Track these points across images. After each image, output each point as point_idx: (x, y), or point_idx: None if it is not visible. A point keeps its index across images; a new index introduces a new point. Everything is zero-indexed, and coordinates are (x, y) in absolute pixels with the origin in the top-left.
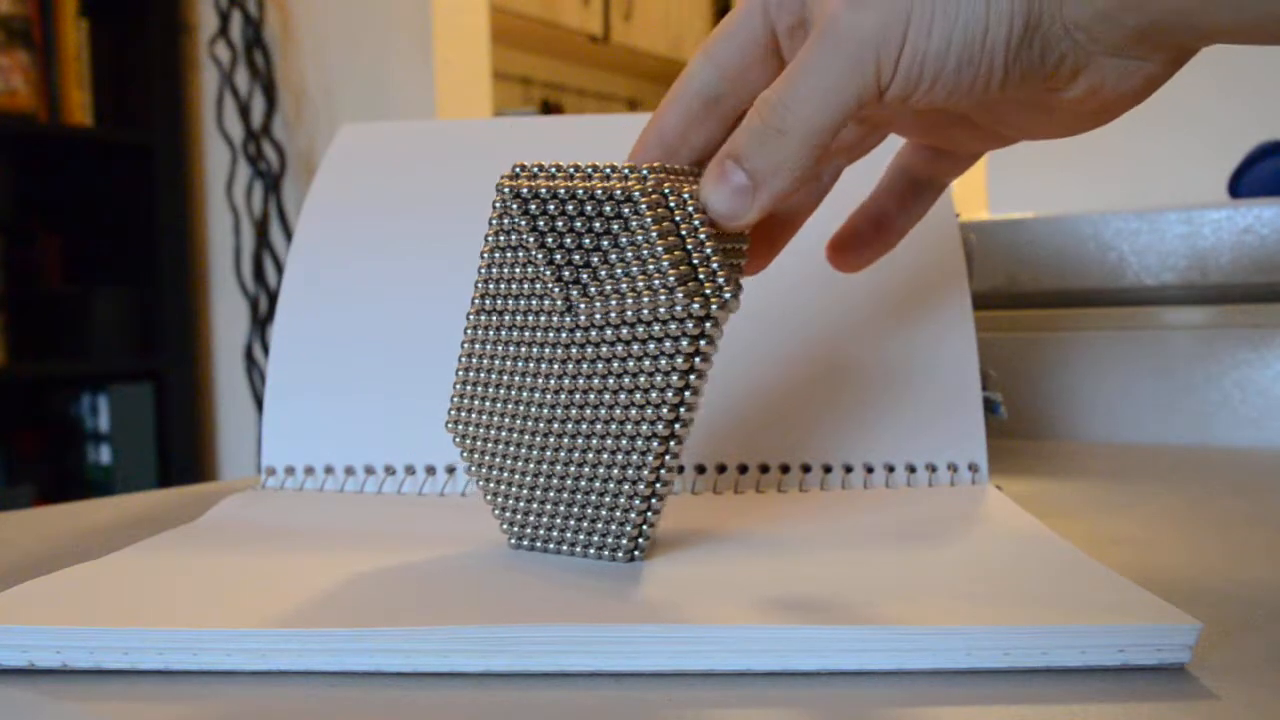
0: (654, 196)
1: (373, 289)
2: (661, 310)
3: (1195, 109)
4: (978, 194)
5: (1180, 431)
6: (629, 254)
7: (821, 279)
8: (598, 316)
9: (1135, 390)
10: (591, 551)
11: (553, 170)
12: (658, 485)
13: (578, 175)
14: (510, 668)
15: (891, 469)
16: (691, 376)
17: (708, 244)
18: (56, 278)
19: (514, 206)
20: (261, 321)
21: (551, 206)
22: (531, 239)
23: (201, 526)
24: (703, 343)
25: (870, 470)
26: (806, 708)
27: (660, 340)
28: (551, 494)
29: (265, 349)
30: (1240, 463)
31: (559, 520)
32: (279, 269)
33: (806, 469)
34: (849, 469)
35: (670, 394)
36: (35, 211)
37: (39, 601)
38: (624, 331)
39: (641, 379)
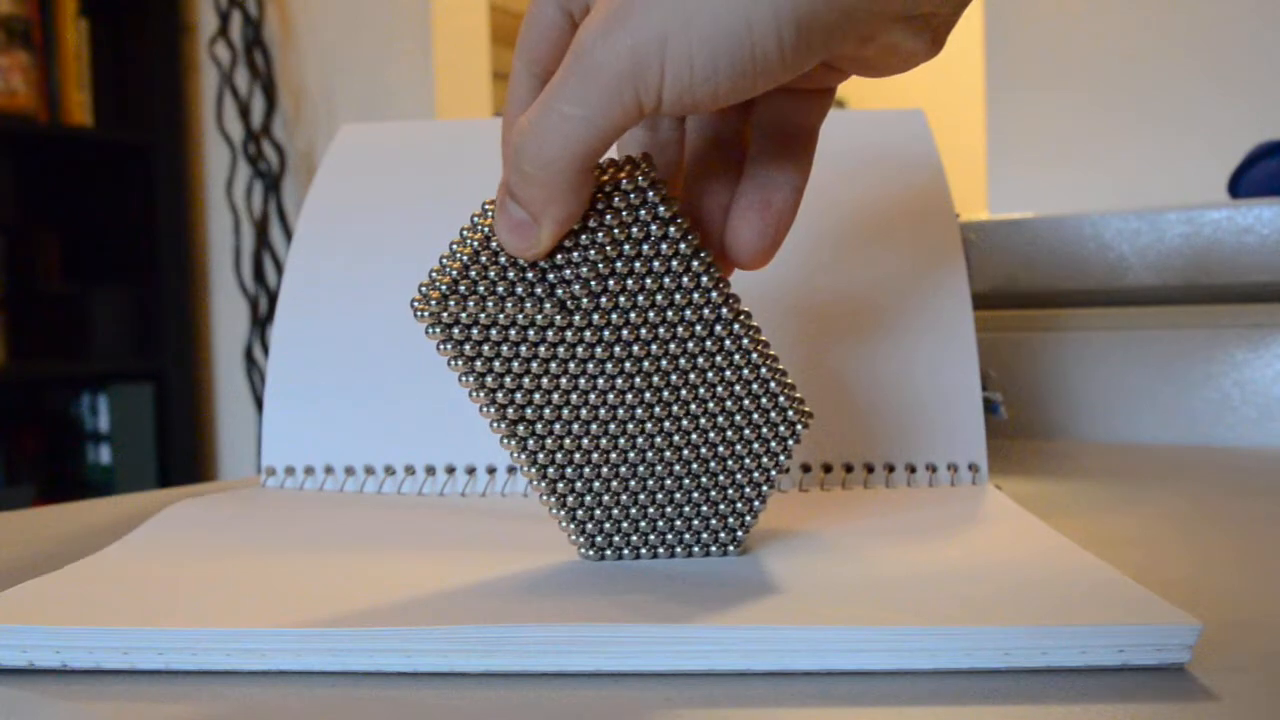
0: None
1: (373, 289)
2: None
3: (1195, 109)
4: (978, 194)
5: (1180, 431)
6: None
7: (820, 279)
8: None
9: (1135, 390)
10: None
11: None
12: (559, 484)
13: None
14: (510, 667)
15: (891, 469)
16: (470, 378)
17: (472, 245)
18: (56, 278)
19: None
20: (261, 321)
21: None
22: None
23: (200, 526)
24: (462, 345)
25: (870, 470)
26: (806, 708)
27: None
28: None
29: (265, 349)
30: (1240, 463)
31: None
32: (279, 269)
33: (806, 469)
34: (849, 469)
35: (479, 395)
36: (35, 211)
37: (39, 601)
38: None
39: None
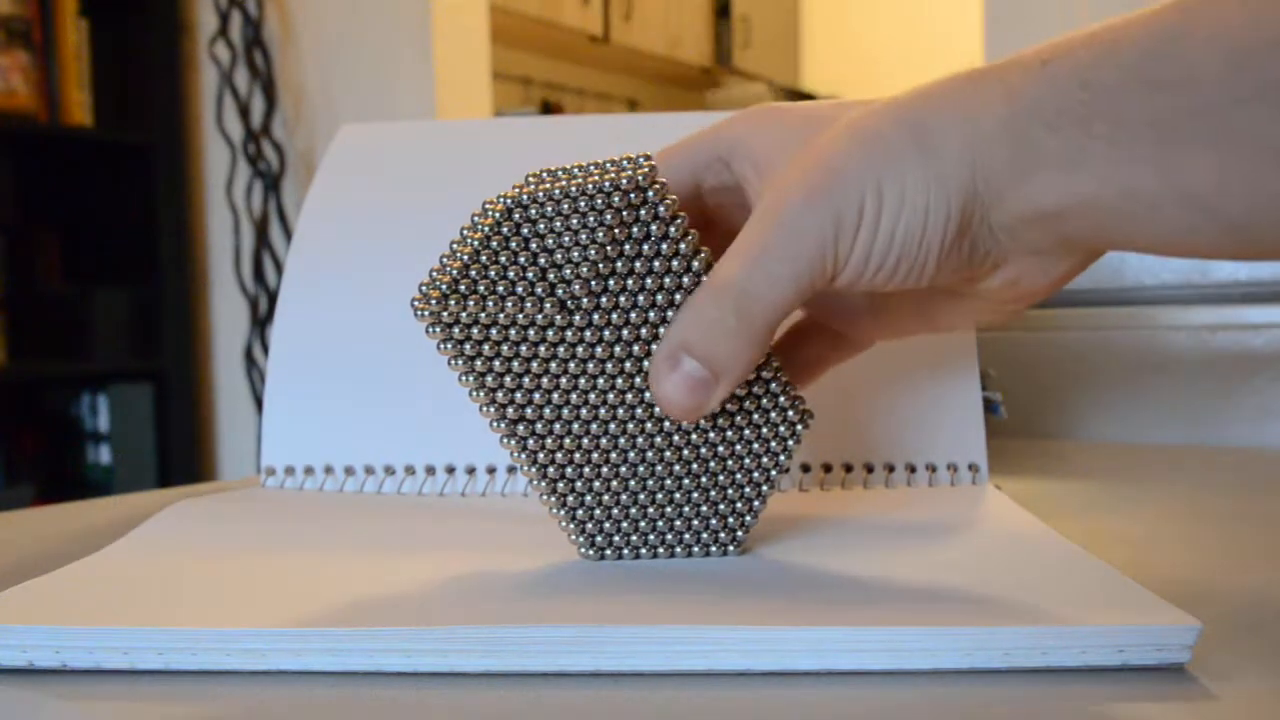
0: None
1: (373, 289)
2: None
3: None
4: None
5: (1180, 431)
6: None
7: None
8: None
9: (1135, 390)
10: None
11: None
12: (559, 484)
13: (564, 176)
14: (510, 668)
15: (891, 469)
16: (470, 378)
17: (461, 250)
18: (56, 278)
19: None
20: (261, 321)
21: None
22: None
23: (200, 526)
24: (462, 345)
25: (870, 470)
26: (806, 708)
27: None
28: None
29: (265, 349)
30: (1240, 463)
31: None
32: (279, 269)
33: (806, 469)
34: (849, 469)
35: (479, 394)
36: (35, 211)
37: (38, 601)
38: None
39: None
